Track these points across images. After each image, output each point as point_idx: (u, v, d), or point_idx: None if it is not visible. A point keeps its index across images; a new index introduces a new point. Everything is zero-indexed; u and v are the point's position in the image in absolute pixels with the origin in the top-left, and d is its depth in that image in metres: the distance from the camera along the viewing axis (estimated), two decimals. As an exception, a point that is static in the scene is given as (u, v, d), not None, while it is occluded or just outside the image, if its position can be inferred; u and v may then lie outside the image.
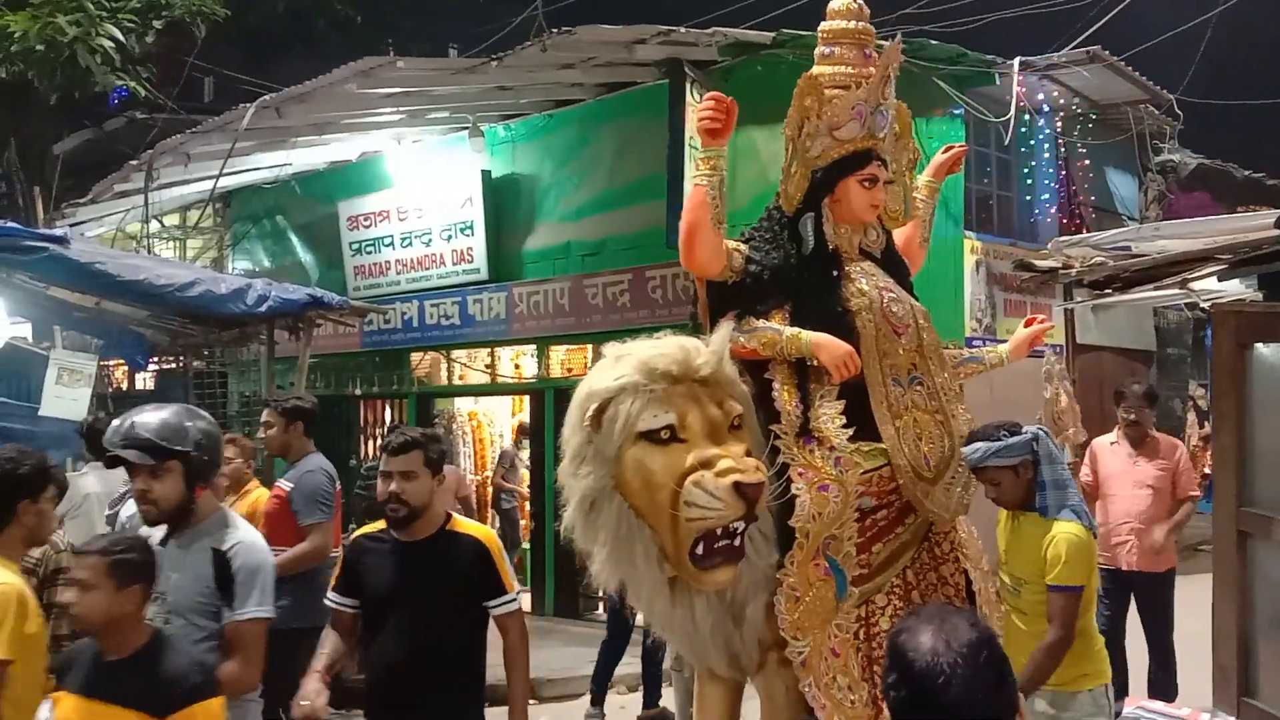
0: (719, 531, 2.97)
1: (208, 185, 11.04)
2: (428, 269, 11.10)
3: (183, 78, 14.00)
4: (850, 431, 3.33)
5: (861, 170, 3.53)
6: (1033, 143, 10.61)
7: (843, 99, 3.51)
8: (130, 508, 4.96)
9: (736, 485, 2.91)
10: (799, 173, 3.50)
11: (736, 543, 3.02)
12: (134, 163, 10.80)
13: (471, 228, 10.64)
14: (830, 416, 3.33)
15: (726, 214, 3.39)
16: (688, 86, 8.43)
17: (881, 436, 3.39)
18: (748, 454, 3.06)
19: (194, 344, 9.11)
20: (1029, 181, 10.83)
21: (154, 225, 11.96)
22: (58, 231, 7.25)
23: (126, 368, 11.10)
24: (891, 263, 3.73)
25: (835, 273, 3.50)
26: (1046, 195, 11.01)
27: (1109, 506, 5.99)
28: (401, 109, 9.94)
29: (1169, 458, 5.96)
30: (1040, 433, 3.62)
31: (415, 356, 11.64)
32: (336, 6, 16.23)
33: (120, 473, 5.53)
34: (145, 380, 11.52)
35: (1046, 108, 10.48)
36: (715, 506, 2.92)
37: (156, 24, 11.89)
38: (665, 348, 3.14)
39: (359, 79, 8.64)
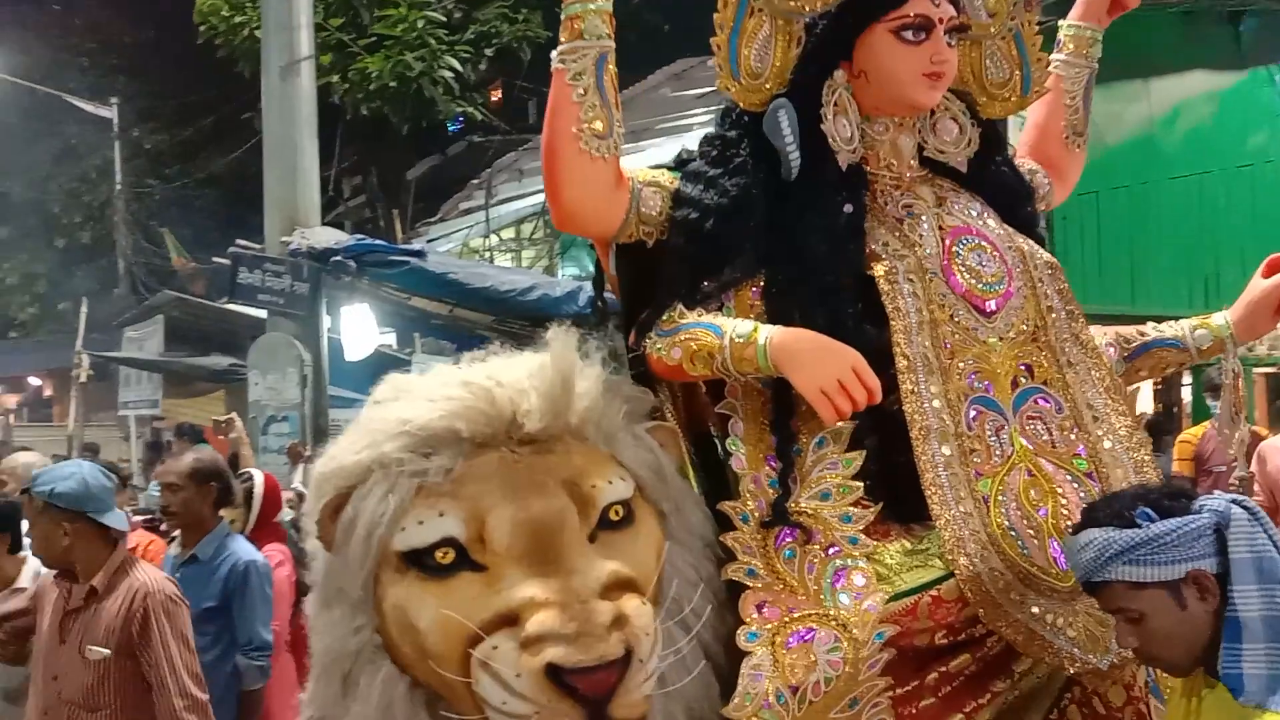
0: None
1: (539, 198, 11.82)
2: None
3: (512, 100, 15.09)
4: (871, 514, 1.79)
5: (896, 10, 1.90)
6: None
7: None
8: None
9: (553, 670, 1.50)
10: (764, 32, 1.93)
11: None
12: (475, 182, 11.81)
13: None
14: (833, 485, 1.81)
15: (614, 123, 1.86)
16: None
17: (935, 520, 1.79)
18: (617, 585, 1.61)
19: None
20: None
21: (493, 239, 12.98)
22: (417, 246, 8.05)
23: (474, 370, 12.10)
24: (992, 181, 2.08)
25: (849, 208, 1.90)
26: None
27: None
28: (712, 108, 10.14)
29: None
30: (1239, 508, 1.65)
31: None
32: (645, 17, 16.85)
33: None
34: (490, 381, 12.52)
35: None
36: (519, 712, 1.53)
37: (488, 52, 12.90)
38: (457, 385, 1.74)
39: (672, 82, 8.94)
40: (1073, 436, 1.91)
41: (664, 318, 1.90)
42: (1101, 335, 2.10)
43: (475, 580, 1.60)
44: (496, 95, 15.68)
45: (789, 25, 1.96)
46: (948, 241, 1.93)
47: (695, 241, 1.90)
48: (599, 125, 1.83)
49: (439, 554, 1.61)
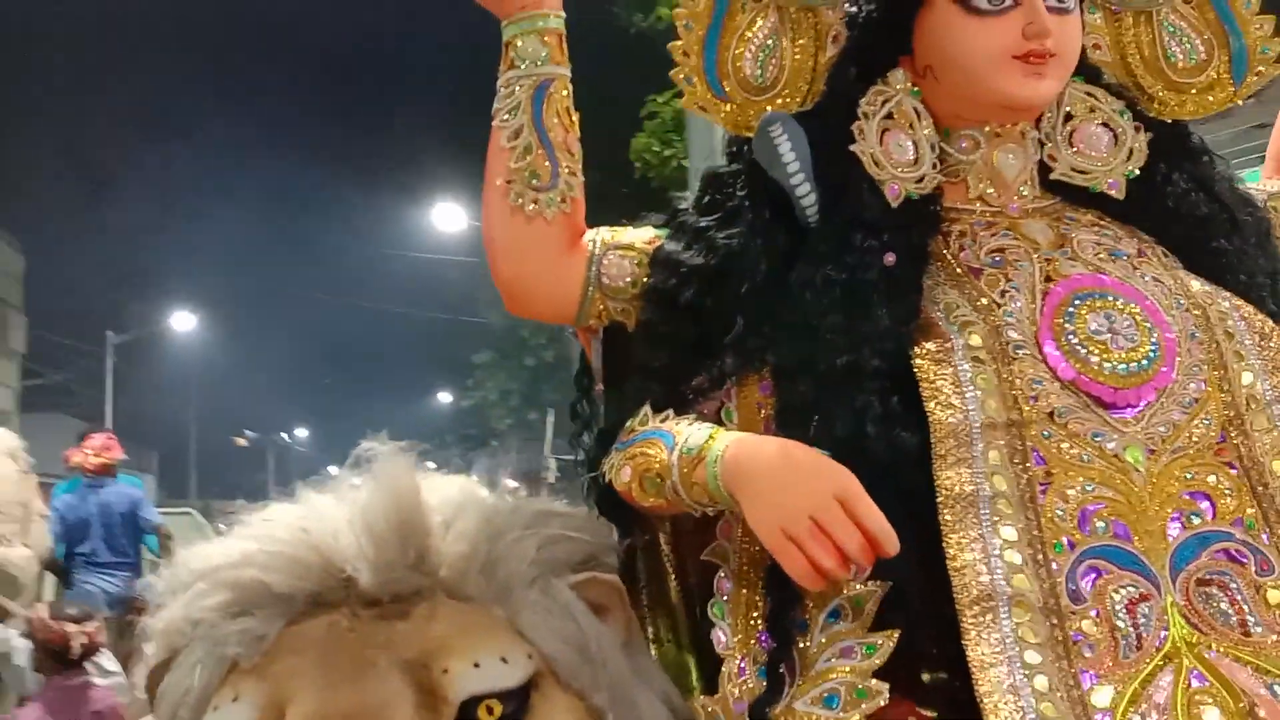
0: None
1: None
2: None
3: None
4: None
5: None
6: None
7: None
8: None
9: None
10: (767, 25, 1.39)
11: None
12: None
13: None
14: (843, 684, 1.15)
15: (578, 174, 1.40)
16: None
17: None
18: None
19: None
20: None
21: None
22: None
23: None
24: (1166, 207, 1.37)
25: (890, 258, 1.28)
26: None
27: None
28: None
29: None
30: None
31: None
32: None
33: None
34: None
35: None
36: None
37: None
38: (282, 525, 1.27)
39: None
40: None
41: (628, 424, 1.34)
42: None
43: None
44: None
45: (814, 17, 1.41)
46: (1053, 300, 1.24)
47: (671, 319, 1.35)
48: (532, 173, 1.37)
49: None
